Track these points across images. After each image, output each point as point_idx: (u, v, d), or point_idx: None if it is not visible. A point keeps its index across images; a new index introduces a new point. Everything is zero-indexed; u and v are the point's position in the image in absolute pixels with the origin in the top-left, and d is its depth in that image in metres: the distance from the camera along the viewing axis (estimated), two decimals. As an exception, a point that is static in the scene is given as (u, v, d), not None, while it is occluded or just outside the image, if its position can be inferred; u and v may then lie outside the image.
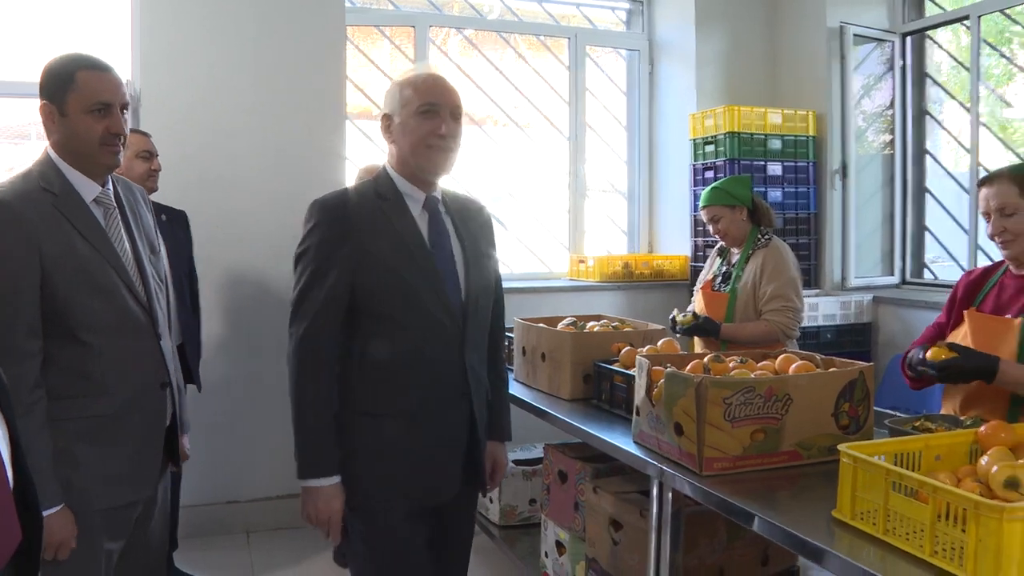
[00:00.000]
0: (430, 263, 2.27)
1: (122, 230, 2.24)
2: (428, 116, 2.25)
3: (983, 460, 1.81)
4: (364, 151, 5.27)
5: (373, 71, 5.45)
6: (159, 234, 2.44)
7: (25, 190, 2.10)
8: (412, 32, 5.45)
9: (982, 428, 2.00)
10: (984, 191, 2.60)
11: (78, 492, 2.06)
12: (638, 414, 2.54)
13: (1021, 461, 1.75)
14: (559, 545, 3.25)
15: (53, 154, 2.18)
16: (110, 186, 2.25)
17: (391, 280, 2.22)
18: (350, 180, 4.77)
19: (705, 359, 2.56)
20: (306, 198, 2.39)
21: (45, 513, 1.93)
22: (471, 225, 2.42)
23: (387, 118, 2.32)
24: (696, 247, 5.65)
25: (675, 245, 5.95)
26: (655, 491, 2.39)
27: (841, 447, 1.86)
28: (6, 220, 2.02)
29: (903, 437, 2.03)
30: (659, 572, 2.39)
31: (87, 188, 2.18)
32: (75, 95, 2.13)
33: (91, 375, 2.10)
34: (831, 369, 2.42)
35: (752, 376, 2.36)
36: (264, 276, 4.64)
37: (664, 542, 2.37)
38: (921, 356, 2.53)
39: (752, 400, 2.22)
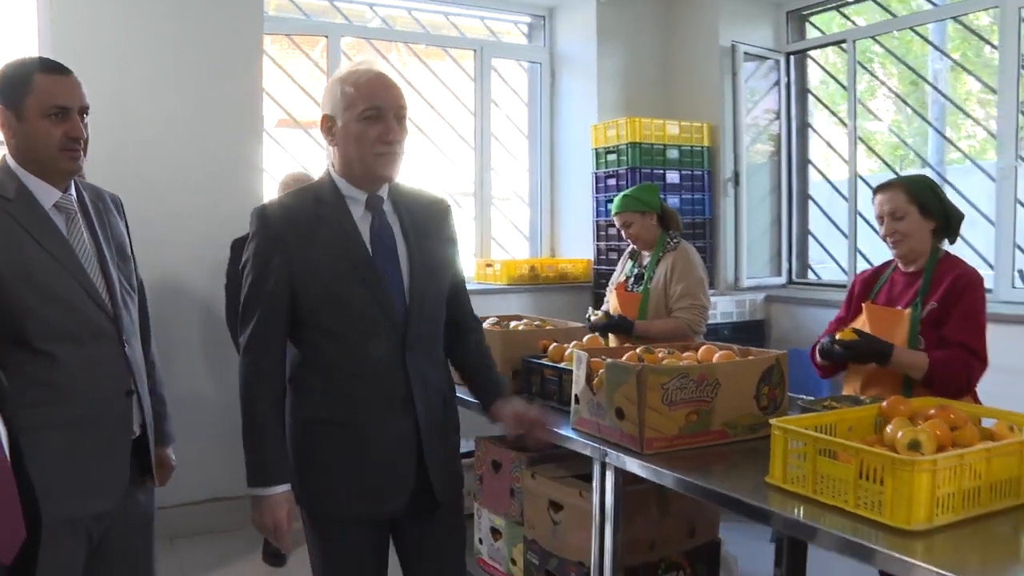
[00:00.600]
0: (369, 267, 2.20)
1: (85, 236, 2.19)
2: (373, 121, 2.17)
3: (888, 428, 2.11)
4: (280, 161, 5.37)
5: (285, 81, 5.57)
6: (131, 240, 2.42)
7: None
8: (325, 42, 5.59)
9: (884, 402, 2.32)
10: (879, 197, 2.95)
11: (40, 501, 1.82)
12: (577, 402, 2.77)
13: (920, 426, 2.05)
14: (494, 531, 3.46)
15: (10, 160, 2.14)
16: (72, 191, 2.21)
17: (326, 288, 2.17)
18: (269, 191, 4.85)
19: (638, 350, 2.83)
20: (222, 209, 2.36)
21: None
22: (422, 220, 2.34)
23: (328, 119, 2.22)
24: (599, 251, 5.95)
25: (577, 249, 6.24)
26: (597, 471, 2.63)
27: (772, 421, 2.14)
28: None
29: (818, 412, 2.33)
30: (603, 546, 2.64)
31: (46, 194, 2.13)
32: (32, 99, 2.08)
33: (50, 383, 2.04)
34: (751, 355, 2.72)
35: (685, 364, 2.63)
36: (181, 286, 4.65)
37: (607, 518, 2.62)
38: (824, 345, 2.87)
39: (686, 385, 2.48)
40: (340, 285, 2.18)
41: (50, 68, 2.14)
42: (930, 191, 2.95)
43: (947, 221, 2.96)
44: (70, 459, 2.06)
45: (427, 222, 2.35)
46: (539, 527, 3.13)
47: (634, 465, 2.45)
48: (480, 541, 3.57)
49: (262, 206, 2.28)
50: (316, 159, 5.51)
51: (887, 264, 3.12)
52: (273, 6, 5.38)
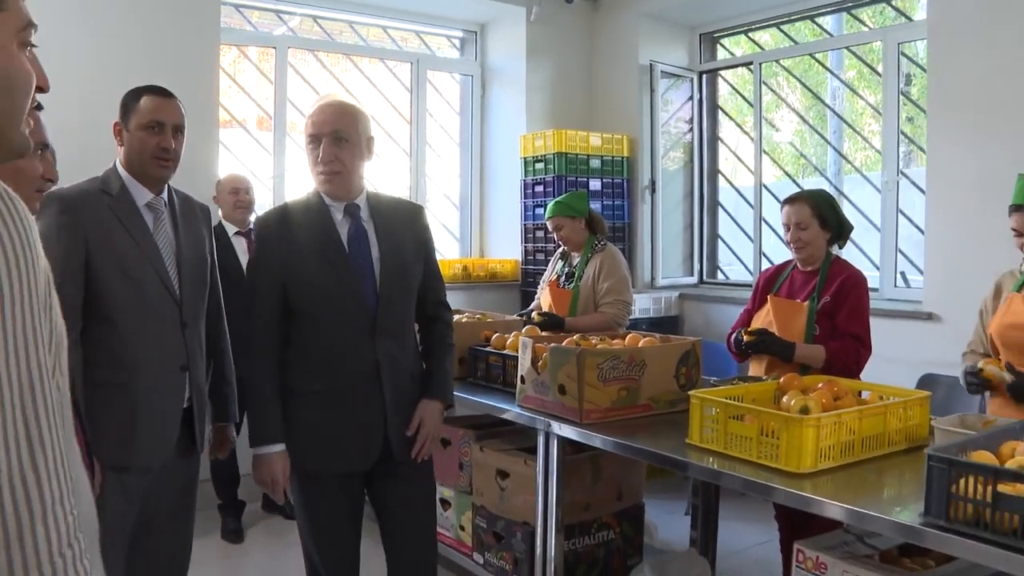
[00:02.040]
0: (345, 264, 2.57)
1: (169, 232, 2.61)
2: (313, 147, 2.58)
3: (784, 398, 2.60)
4: (226, 162, 5.67)
5: (232, 87, 5.88)
6: (215, 249, 2.86)
7: (85, 190, 2.53)
8: (273, 53, 5.92)
9: (781, 379, 2.81)
10: (787, 208, 3.46)
11: (94, 448, 2.35)
12: (523, 382, 3.21)
13: (809, 396, 2.54)
14: (443, 502, 3.87)
15: (119, 164, 2.61)
16: (165, 195, 2.64)
17: (309, 282, 2.54)
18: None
19: (575, 337, 3.28)
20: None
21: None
22: (396, 226, 2.69)
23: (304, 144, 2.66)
24: (526, 252, 6.39)
25: (505, 250, 6.67)
26: (542, 440, 3.07)
27: (691, 392, 2.62)
28: (60, 211, 2.43)
29: (727, 386, 2.82)
30: (547, 506, 3.08)
31: (141, 194, 2.57)
32: (136, 114, 2.55)
33: (119, 351, 2.44)
34: (671, 342, 3.20)
35: (615, 348, 3.09)
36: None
37: (551, 482, 3.06)
38: (742, 336, 3.37)
39: (618, 365, 2.94)
40: (320, 279, 2.57)
41: (155, 92, 2.61)
42: (829, 206, 3.47)
43: (840, 231, 3.49)
44: (128, 417, 2.45)
45: (399, 225, 2.73)
46: (487, 494, 3.56)
47: (574, 433, 2.90)
48: (429, 511, 3.98)
49: (262, 214, 2.73)
50: (257, 160, 5.84)
51: (788, 263, 3.64)
52: (226, 16, 5.67)
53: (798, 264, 3.53)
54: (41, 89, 1.10)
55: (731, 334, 3.51)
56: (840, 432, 2.35)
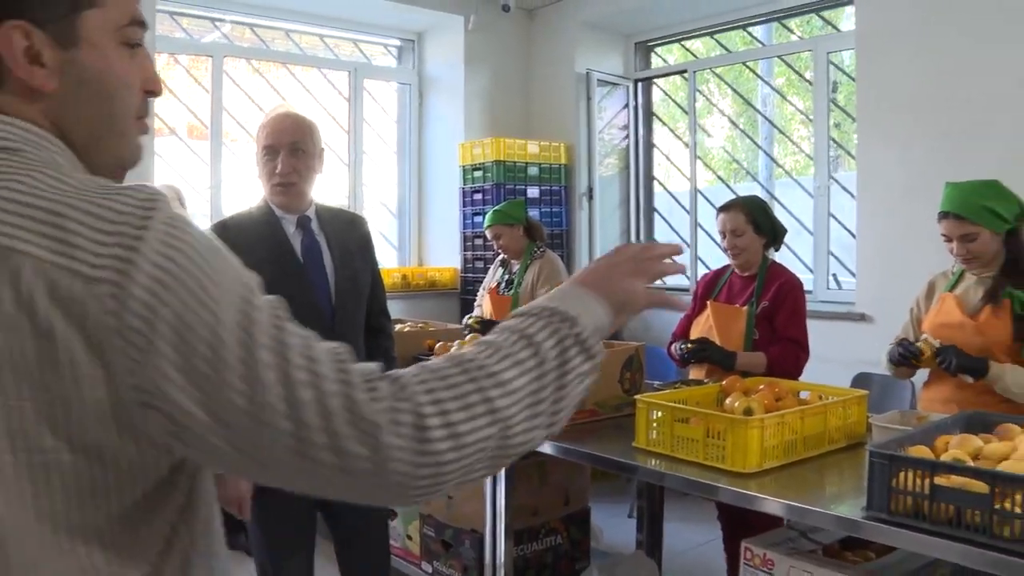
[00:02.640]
0: (302, 274, 2.61)
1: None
2: (269, 158, 2.60)
3: (728, 400, 2.65)
4: (161, 172, 5.60)
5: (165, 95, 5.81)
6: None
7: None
8: (210, 61, 5.86)
9: (724, 381, 2.87)
10: (722, 216, 3.53)
11: None
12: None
13: (752, 397, 2.60)
14: (390, 512, 3.87)
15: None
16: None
17: (266, 291, 2.65)
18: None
19: (520, 344, 3.30)
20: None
21: None
22: (345, 237, 2.74)
23: (257, 155, 2.68)
24: (465, 260, 6.41)
25: (444, 258, 6.68)
26: (490, 446, 3.08)
27: (637, 396, 2.66)
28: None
29: (672, 391, 2.87)
30: (495, 512, 3.10)
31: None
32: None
33: None
34: (615, 348, 3.24)
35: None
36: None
37: (499, 488, 3.08)
38: (682, 345, 3.43)
39: (564, 371, 2.97)
40: (275, 291, 2.55)
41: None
42: (763, 212, 3.56)
43: (774, 235, 3.58)
44: None
45: (348, 237, 2.77)
46: (435, 503, 3.58)
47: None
48: (376, 521, 3.97)
49: (222, 221, 2.75)
50: (193, 169, 5.78)
51: (725, 268, 3.72)
52: (162, 24, 5.60)
53: (735, 269, 3.61)
54: (153, 93, 1.05)
55: (672, 342, 3.57)
56: (783, 432, 2.42)
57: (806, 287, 5.44)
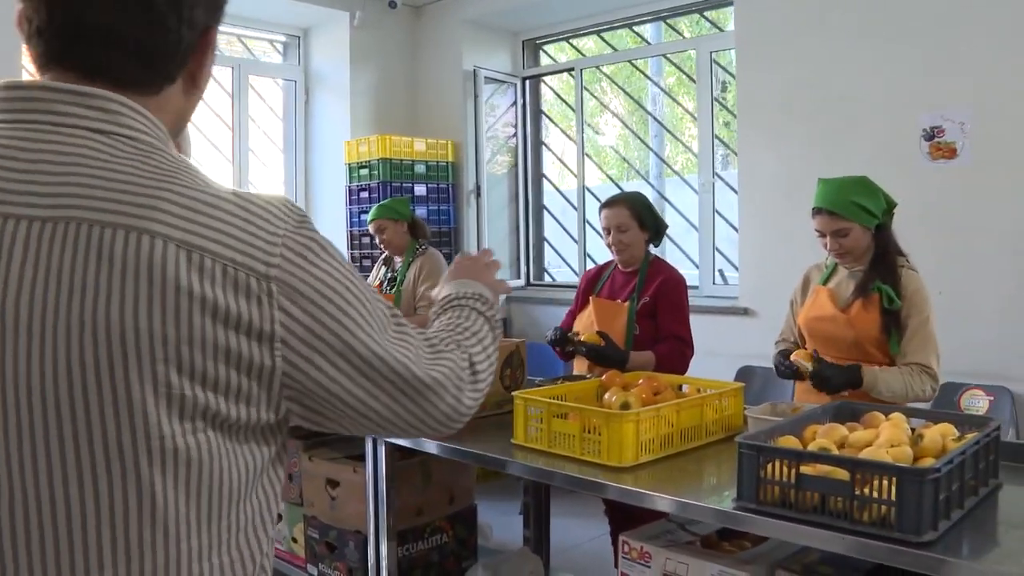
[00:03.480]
0: None
1: None
2: None
3: (607, 395, 2.66)
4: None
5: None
6: None
7: None
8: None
9: (604, 376, 2.88)
10: (606, 212, 3.54)
11: None
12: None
13: (630, 392, 2.61)
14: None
15: None
16: None
17: None
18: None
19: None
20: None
21: None
22: None
23: None
24: (352, 258, 6.32)
25: (333, 258, 6.57)
26: (370, 447, 3.03)
27: (515, 393, 2.64)
28: None
29: (551, 386, 2.86)
30: (378, 513, 3.04)
31: None
32: None
33: None
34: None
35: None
36: None
37: (381, 489, 3.03)
38: (558, 335, 3.41)
39: (445, 369, 2.93)
40: None
41: None
42: (646, 208, 3.58)
43: (657, 231, 3.60)
44: None
45: None
46: (318, 504, 3.49)
47: (404, 440, 2.88)
48: (259, 527, 3.87)
49: None
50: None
51: (609, 263, 3.73)
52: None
53: (619, 265, 3.63)
54: None
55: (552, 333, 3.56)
56: (659, 425, 2.42)
57: (693, 282, 5.57)
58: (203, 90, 1.13)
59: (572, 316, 3.71)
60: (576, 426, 2.44)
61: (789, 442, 2.00)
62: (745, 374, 4.30)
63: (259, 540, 1.06)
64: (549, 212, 6.84)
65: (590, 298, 3.58)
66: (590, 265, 6.15)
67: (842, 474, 1.77)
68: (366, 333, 1.04)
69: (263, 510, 1.07)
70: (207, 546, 0.97)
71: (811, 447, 1.95)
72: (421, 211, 6.14)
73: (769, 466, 1.88)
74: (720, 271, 5.63)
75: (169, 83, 1.04)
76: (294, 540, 3.69)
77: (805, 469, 1.82)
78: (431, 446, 2.79)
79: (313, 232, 1.03)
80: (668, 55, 6.30)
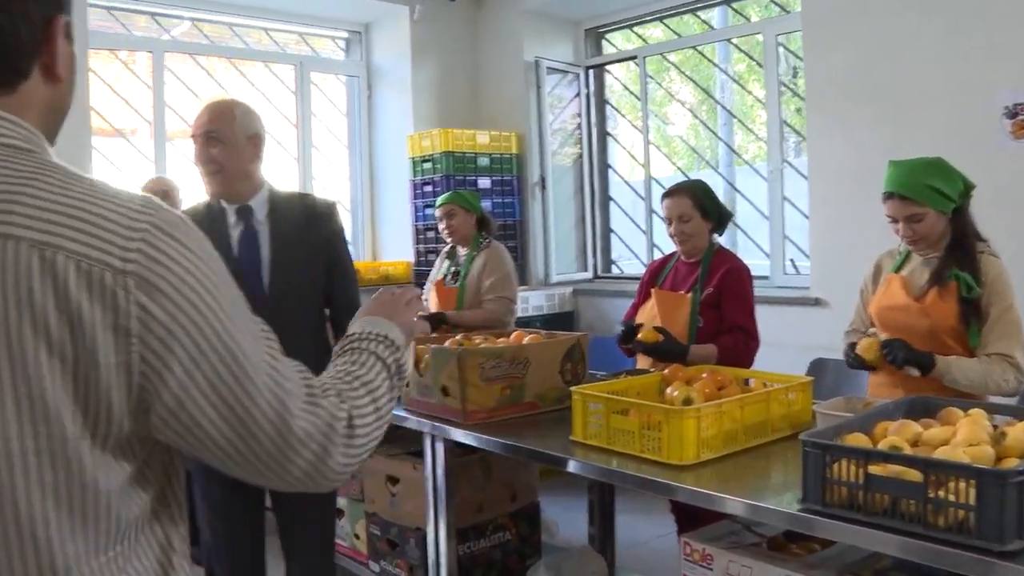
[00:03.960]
0: (233, 268, 2.61)
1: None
2: (194, 148, 2.62)
3: (668, 390, 2.57)
4: (104, 170, 5.44)
5: (105, 91, 5.64)
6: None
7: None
8: (149, 57, 5.70)
9: (666, 370, 2.78)
10: (667, 201, 3.44)
11: None
12: (407, 385, 3.12)
13: (692, 386, 2.51)
14: (337, 511, 3.75)
15: None
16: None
17: None
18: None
19: (458, 337, 3.20)
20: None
21: None
22: (294, 227, 2.66)
23: None
24: (418, 253, 6.29)
25: (397, 252, 6.56)
26: (428, 443, 2.98)
27: (573, 388, 2.57)
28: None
29: (613, 381, 2.78)
30: (436, 510, 2.99)
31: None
32: None
33: None
34: (556, 338, 3.14)
35: (497, 346, 3.02)
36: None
37: (440, 485, 2.98)
38: (625, 330, 3.32)
39: (500, 364, 2.88)
40: None
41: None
42: (708, 196, 3.46)
43: (720, 220, 3.48)
44: None
45: (298, 226, 2.68)
46: (379, 501, 3.47)
47: (459, 435, 2.82)
48: (322, 523, 3.86)
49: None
50: (137, 167, 5.61)
51: (672, 255, 3.63)
52: (97, 18, 5.43)
53: (681, 256, 3.52)
54: None
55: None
56: (722, 421, 2.33)
57: (763, 273, 5.42)
58: (69, 79, 1.10)
59: (635, 309, 3.61)
60: (635, 422, 2.35)
61: (858, 440, 1.89)
62: (817, 367, 4.14)
63: (161, 567, 1.05)
64: (616, 203, 6.72)
65: (652, 290, 3.48)
66: (658, 256, 6.05)
67: (914, 475, 1.65)
68: (230, 336, 1.00)
69: (155, 532, 1.05)
70: (83, 553, 0.96)
71: (881, 445, 1.84)
72: (485, 204, 6.06)
73: (836, 466, 1.78)
74: (791, 260, 5.46)
75: (22, 79, 1.02)
76: (356, 536, 3.67)
77: (874, 469, 1.72)
78: (489, 443, 2.73)
79: (178, 230, 1.00)
80: (735, 41, 6.13)
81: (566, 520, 4.37)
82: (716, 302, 3.32)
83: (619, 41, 6.72)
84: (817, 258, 4.84)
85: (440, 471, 2.97)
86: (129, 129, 5.78)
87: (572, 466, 2.42)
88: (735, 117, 6.54)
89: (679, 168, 6.83)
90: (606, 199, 6.72)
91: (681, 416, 2.24)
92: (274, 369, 1.04)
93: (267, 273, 2.60)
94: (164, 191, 4.39)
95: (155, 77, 5.67)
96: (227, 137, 2.57)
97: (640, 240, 6.41)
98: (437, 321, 4.24)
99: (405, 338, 1.37)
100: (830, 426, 2.00)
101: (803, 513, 1.82)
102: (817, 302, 4.76)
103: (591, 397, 2.50)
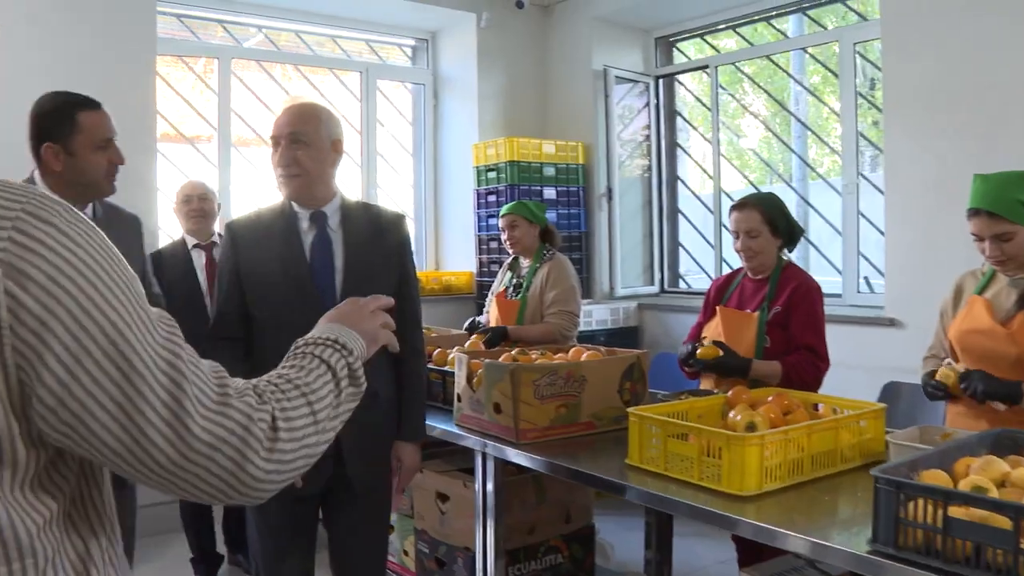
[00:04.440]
0: (306, 275, 2.49)
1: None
2: (274, 150, 2.52)
3: (731, 414, 2.42)
4: (170, 175, 5.46)
5: (175, 98, 5.67)
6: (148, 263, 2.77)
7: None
8: (216, 63, 5.72)
9: (729, 392, 2.64)
10: (735, 215, 3.28)
11: None
12: (459, 400, 3.02)
13: (757, 411, 2.37)
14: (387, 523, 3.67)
15: (41, 186, 2.46)
16: (89, 210, 2.57)
17: (266, 290, 2.48)
18: (163, 207, 4.97)
19: (513, 352, 3.09)
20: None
21: None
22: (366, 236, 2.59)
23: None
24: (481, 263, 6.21)
25: (460, 262, 6.49)
26: (479, 461, 2.88)
27: (629, 410, 2.44)
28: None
29: (673, 402, 2.64)
30: (485, 529, 2.89)
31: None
32: (81, 134, 2.45)
33: None
34: (614, 356, 3.01)
35: (555, 362, 2.91)
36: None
37: (489, 505, 2.87)
38: (688, 351, 3.18)
39: (555, 381, 2.76)
40: (280, 288, 2.49)
41: (91, 105, 2.54)
42: (779, 211, 3.30)
43: (791, 236, 3.32)
44: None
45: (370, 235, 2.61)
46: (428, 518, 3.37)
47: (510, 453, 2.71)
48: (372, 537, 3.77)
49: (233, 221, 2.65)
50: (202, 173, 5.61)
51: (738, 271, 3.47)
52: (166, 25, 5.47)
53: (748, 272, 3.37)
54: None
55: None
56: (787, 450, 2.18)
57: (835, 290, 5.22)
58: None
59: (699, 327, 3.46)
60: (695, 448, 2.22)
61: (936, 478, 1.73)
62: (891, 392, 3.93)
63: None
64: (685, 216, 6.56)
65: (717, 308, 3.33)
66: (727, 271, 5.87)
67: (1002, 521, 1.49)
68: (116, 329, 0.93)
69: (70, 543, 1.00)
70: None
71: (963, 485, 1.68)
72: (550, 215, 5.96)
73: (911, 505, 1.63)
74: (866, 278, 5.26)
75: None
76: (405, 553, 3.58)
77: (955, 512, 1.56)
78: (539, 463, 2.62)
79: (56, 216, 0.94)
80: (811, 52, 5.93)
81: (622, 542, 4.23)
82: (784, 321, 3.16)
83: (691, 51, 6.57)
84: (893, 276, 4.63)
85: (490, 490, 2.86)
86: (205, 136, 5.80)
87: (629, 493, 2.29)
88: (809, 129, 6.34)
89: (750, 182, 6.65)
90: (674, 212, 6.56)
91: (743, 443, 2.10)
92: (172, 367, 0.97)
93: (340, 280, 2.53)
94: (200, 195, 4.31)
95: (221, 84, 5.69)
96: (312, 140, 2.50)
97: (709, 255, 6.24)
98: (499, 336, 4.14)
99: (366, 345, 1.33)
100: (904, 460, 1.84)
101: (873, 555, 1.67)
102: (892, 322, 4.55)
103: (648, 420, 2.37)
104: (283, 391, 1.10)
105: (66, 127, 2.46)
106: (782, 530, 1.89)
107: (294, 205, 2.57)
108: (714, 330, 3.28)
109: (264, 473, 1.02)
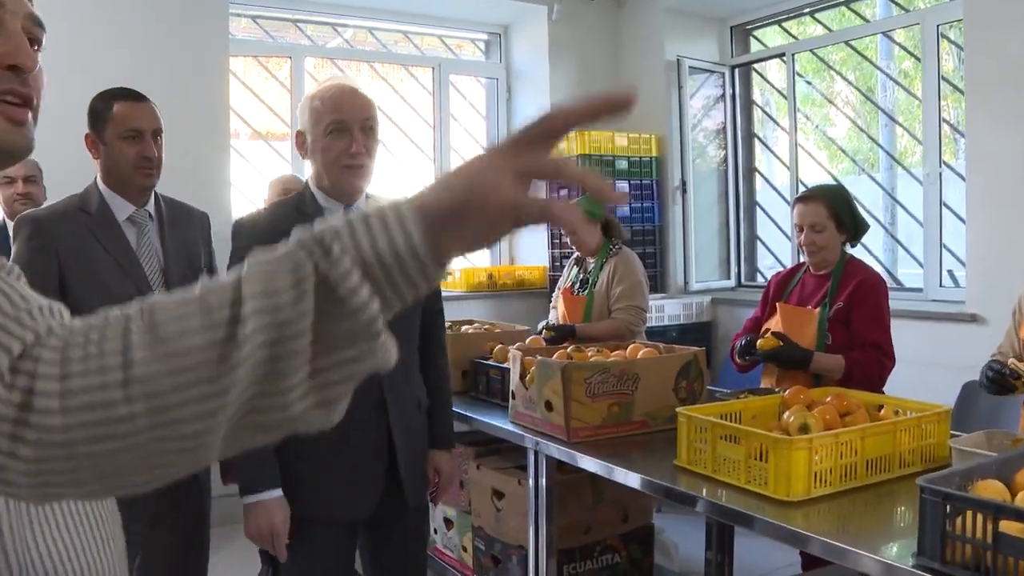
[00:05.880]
0: None
1: (156, 245, 2.56)
2: (338, 136, 2.22)
3: (786, 414, 2.34)
4: (244, 172, 5.55)
5: (249, 97, 5.76)
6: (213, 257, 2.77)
7: (60, 210, 2.48)
8: (289, 62, 5.79)
9: (786, 392, 2.54)
10: (799, 208, 3.17)
11: None
12: (514, 398, 2.99)
13: (812, 411, 2.28)
14: (447, 521, 3.67)
15: (98, 179, 2.54)
16: (150, 206, 2.58)
17: None
18: (237, 203, 5.06)
19: (568, 349, 3.04)
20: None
21: None
22: None
23: (300, 135, 2.30)
24: (553, 258, 6.16)
25: (533, 256, 6.45)
26: (531, 459, 2.84)
27: (679, 409, 2.37)
28: (32, 233, 2.39)
29: (727, 402, 2.56)
30: (538, 528, 2.85)
31: (121, 208, 2.52)
32: (111, 124, 2.47)
33: None
34: (672, 353, 2.94)
35: (608, 360, 2.85)
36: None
37: (541, 503, 2.83)
38: (744, 343, 3.09)
39: (607, 379, 2.70)
40: None
41: (127, 96, 2.53)
42: (846, 204, 3.18)
43: (856, 231, 3.20)
44: None
45: None
46: (484, 515, 3.35)
47: (561, 452, 2.67)
48: (435, 531, 3.77)
49: (239, 219, 2.43)
50: (285, 170, 5.69)
51: (799, 266, 3.36)
52: (241, 25, 5.56)
53: (810, 268, 3.25)
54: (13, 68, 0.92)
55: (733, 344, 3.25)
56: (839, 453, 2.09)
57: (916, 284, 5.03)
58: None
59: (755, 322, 3.36)
60: (742, 450, 2.14)
61: (991, 489, 1.63)
62: (970, 392, 3.77)
63: None
64: (762, 209, 6.41)
65: (777, 304, 3.23)
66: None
67: (1053, 537, 1.40)
68: None
69: None
70: None
71: (1020, 498, 1.58)
72: (623, 209, 5.89)
73: (959, 518, 1.53)
74: (950, 271, 5.05)
75: None
76: (464, 549, 3.57)
77: (1007, 527, 1.46)
78: (589, 463, 2.57)
79: None
80: (899, 39, 5.70)
81: (686, 541, 4.14)
82: (846, 318, 3.04)
83: (768, 39, 6.39)
84: (975, 269, 4.43)
85: (542, 488, 2.82)
86: (279, 133, 5.89)
87: (675, 496, 2.23)
88: (892, 119, 6.11)
89: (831, 174, 6.45)
90: (752, 204, 6.42)
91: (790, 446, 2.02)
92: None
93: None
94: (295, 189, 4.33)
95: (294, 82, 5.75)
96: (377, 129, 2.31)
97: (787, 248, 6.08)
98: (566, 334, 4.09)
99: (478, 233, 0.73)
100: (959, 468, 1.75)
101: (917, 570, 1.58)
102: (973, 318, 4.36)
103: (697, 420, 2.31)
104: (80, 344, 0.74)
105: (102, 117, 2.50)
106: (820, 537, 1.81)
107: (320, 199, 2.32)
108: (774, 327, 3.19)
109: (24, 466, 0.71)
